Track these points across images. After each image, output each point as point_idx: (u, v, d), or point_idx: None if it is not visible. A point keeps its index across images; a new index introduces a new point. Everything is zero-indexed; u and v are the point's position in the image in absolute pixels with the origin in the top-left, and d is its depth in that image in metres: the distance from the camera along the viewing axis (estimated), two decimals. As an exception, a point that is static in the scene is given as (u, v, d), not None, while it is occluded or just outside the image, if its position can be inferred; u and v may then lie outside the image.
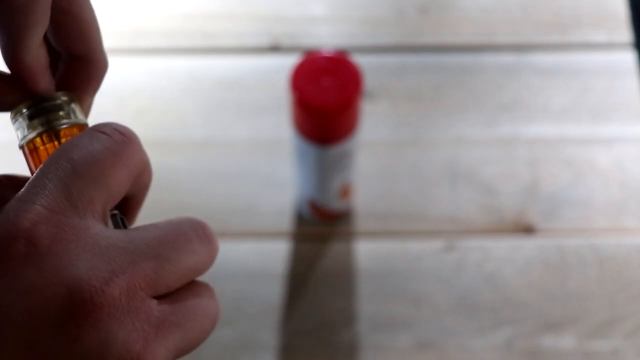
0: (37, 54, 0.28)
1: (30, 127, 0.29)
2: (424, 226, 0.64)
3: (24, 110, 0.29)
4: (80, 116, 0.30)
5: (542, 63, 0.71)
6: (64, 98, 0.30)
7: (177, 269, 0.25)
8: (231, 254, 0.62)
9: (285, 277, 0.62)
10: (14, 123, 0.29)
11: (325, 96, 0.50)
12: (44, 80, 0.29)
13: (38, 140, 0.28)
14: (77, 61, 0.30)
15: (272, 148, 0.67)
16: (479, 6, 0.74)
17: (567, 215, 0.64)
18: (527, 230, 0.63)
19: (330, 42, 0.71)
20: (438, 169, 0.66)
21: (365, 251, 0.63)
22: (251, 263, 0.62)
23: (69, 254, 0.23)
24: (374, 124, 0.68)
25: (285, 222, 0.64)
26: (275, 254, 0.63)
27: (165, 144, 0.67)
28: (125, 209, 0.29)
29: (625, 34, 0.72)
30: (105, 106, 0.68)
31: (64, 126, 0.29)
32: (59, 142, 0.28)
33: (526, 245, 0.63)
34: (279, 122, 0.67)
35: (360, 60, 0.53)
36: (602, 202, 0.64)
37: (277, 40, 0.72)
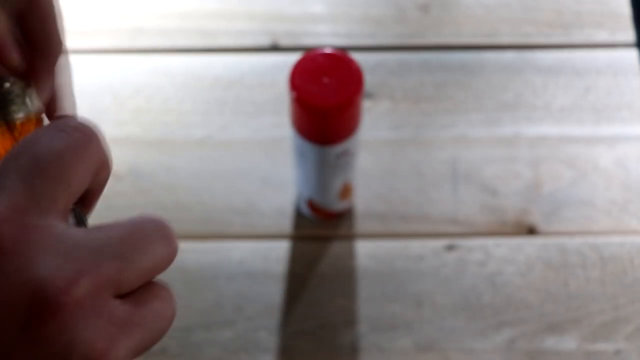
0: (5, 28, 0.28)
1: None
2: (425, 226, 0.63)
3: None
4: (36, 103, 0.29)
5: (544, 62, 0.71)
6: (20, 84, 0.29)
7: (139, 269, 0.25)
8: (231, 254, 0.62)
9: (285, 277, 0.62)
10: None
11: (326, 95, 0.50)
12: (14, 58, 0.29)
13: None
14: (34, 43, 0.30)
15: (272, 148, 0.66)
16: (480, 5, 0.73)
17: (569, 216, 0.64)
18: (529, 230, 0.63)
19: (331, 41, 0.71)
20: (439, 168, 0.66)
21: (366, 251, 0.62)
22: (251, 263, 0.62)
23: (32, 254, 0.23)
24: (374, 124, 0.67)
25: (285, 222, 0.64)
26: (275, 254, 0.62)
27: (165, 143, 0.67)
28: (82, 202, 0.28)
29: (628, 33, 0.72)
30: (104, 105, 0.68)
31: (20, 120, 0.28)
32: (14, 136, 0.28)
33: (528, 246, 0.62)
34: (279, 122, 0.67)
35: (361, 59, 0.52)
36: (605, 202, 0.64)
37: (277, 40, 0.71)
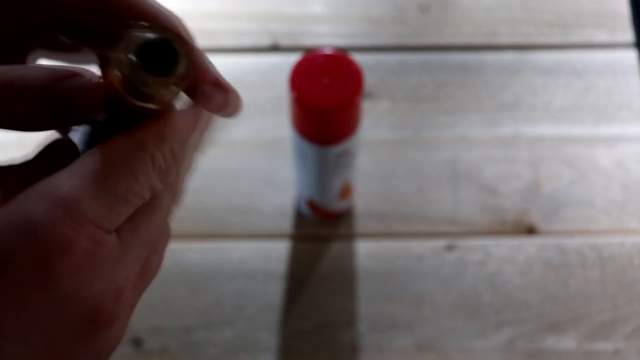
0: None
1: (140, 74, 0.25)
2: (425, 226, 0.63)
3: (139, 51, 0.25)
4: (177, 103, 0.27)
5: (544, 62, 0.71)
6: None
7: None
8: (231, 254, 0.62)
9: (285, 277, 0.62)
10: (123, 41, 0.25)
11: (325, 96, 0.50)
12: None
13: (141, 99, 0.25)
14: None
15: (272, 148, 0.66)
16: (480, 5, 0.73)
17: (569, 216, 0.64)
18: (528, 230, 0.63)
19: (330, 41, 0.71)
20: (439, 168, 0.66)
21: (366, 251, 0.62)
22: (251, 263, 0.62)
23: (97, 269, 0.25)
24: (374, 124, 0.67)
25: (285, 222, 0.64)
26: (275, 254, 0.62)
27: (165, 143, 0.66)
28: None
29: (627, 33, 0.72)
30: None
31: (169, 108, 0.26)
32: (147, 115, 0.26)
33: (527, 246, 0.62)
34: (278, 122, 0.67)
35: (361, 60, 0.52)
36: (604, 202, 0.64)
37: (277, 40, 0.71)
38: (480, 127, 0.68)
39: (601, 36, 0.72)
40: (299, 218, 0.64)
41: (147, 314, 0.60)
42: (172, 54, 0.26)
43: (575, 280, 0.61)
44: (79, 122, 0.27)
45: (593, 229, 0.63)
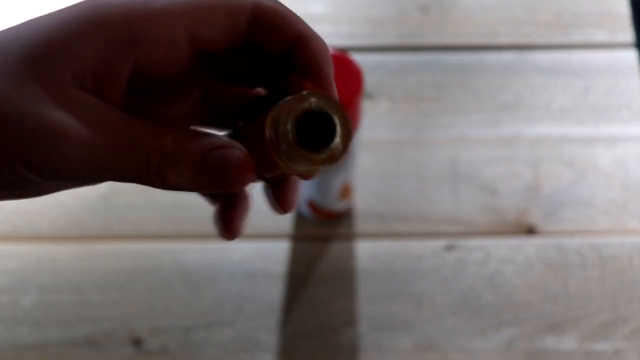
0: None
1: (292, 147, 0.25)
2: (425, 226, 0.63)
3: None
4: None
5: (544, 63, 0.71)
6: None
7: None
8: (231, 254, 0.62)
9: (285, 277, 0.62)
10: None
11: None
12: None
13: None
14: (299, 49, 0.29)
15: (272, 148, 0.66)
16: (480, 5, 0.74)
17: (569, 216, 0.64)
18: (529, 230, 0.63)
19: (331, 41, 0.71)
20: (439, 169, 0.66)
21: (366, 251, 0.62)
22: (251, 263, 0.62)
23: None
24: (374, 124, 0.67)
25: (285, 222, 0.64)
26: (275, 254, 0.62)
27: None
28: None
29: (627, 33, 0.72)
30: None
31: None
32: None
33: (527, 246, 0.62)
34: (279, 122, 0.67)
35: (361, 60, 0.52)
36: (604, 202, 0.64)
37: (277, 40, 0.71)
38: (480, 127, 0.68)
39: (601, 36, 0.72)
40: (299, 218, 0.64)
41: (147, 314, 0.60)
42: (329, 129, 0.25)
43: (575, 281, 0.61)
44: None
45: (593, 229, 0.63)
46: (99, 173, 0.26)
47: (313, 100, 0.25)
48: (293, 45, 0.29)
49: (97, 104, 0.26)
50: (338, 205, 0.62)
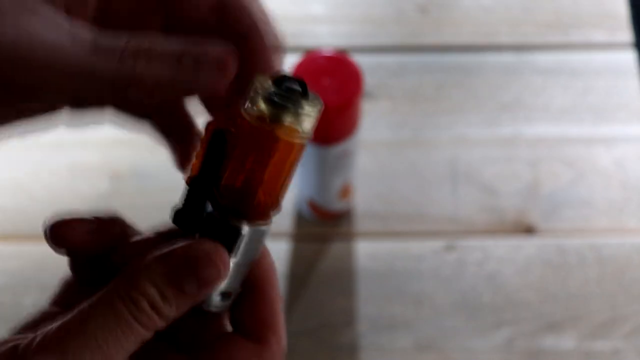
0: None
1: (278, 108, 0.26)
2: (424, 226, 0.63)
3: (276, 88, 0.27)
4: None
5: (543, 63, 0.71)
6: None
7: None
8: (231, 254, 0.62)
9: (285, 277, 0.62)
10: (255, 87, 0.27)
11: (325, 96, 0.50)
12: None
13: (284, 130, 0.26)
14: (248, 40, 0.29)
15: (272, 148, 0.66)
16: (479, 6, 0.74)
17: (568, 216, 0.64)
18: (528, 230, 0.63)
19: (331, 41, 0.71)
20: (438, 169, 0.66)
21: (366, 251, 0.63)
22: (251, 263, 0.62)
23: None
24: (374, 124, 0.68)
25: (285, 222, 0.64)
26: (275, 254, 0.62)
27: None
28: None
29: (626, 33, 0.72)
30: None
31: (303, 140, 0.27)
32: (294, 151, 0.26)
33: (526, 246, 0.63)
34: (279, 122, 0.67)
35: (360, 60, 0.52)
36: (603, 202, 0.64)
37: (277, 40, 0.71)
38: (479, 127, 0.68)
39: (600, 36, 0.72)
40: (299, 218, 0.64)
41: (147, 313, 0.60)
42: (304, 88, 0.27)
43: (574, 280, 0.61)
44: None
45: (592, 228, 0.63)
46: (69, 78, 0.25)
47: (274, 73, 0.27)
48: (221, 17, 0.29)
49: (67, 17, 0.26)
50: (338, 205, 0.62)
